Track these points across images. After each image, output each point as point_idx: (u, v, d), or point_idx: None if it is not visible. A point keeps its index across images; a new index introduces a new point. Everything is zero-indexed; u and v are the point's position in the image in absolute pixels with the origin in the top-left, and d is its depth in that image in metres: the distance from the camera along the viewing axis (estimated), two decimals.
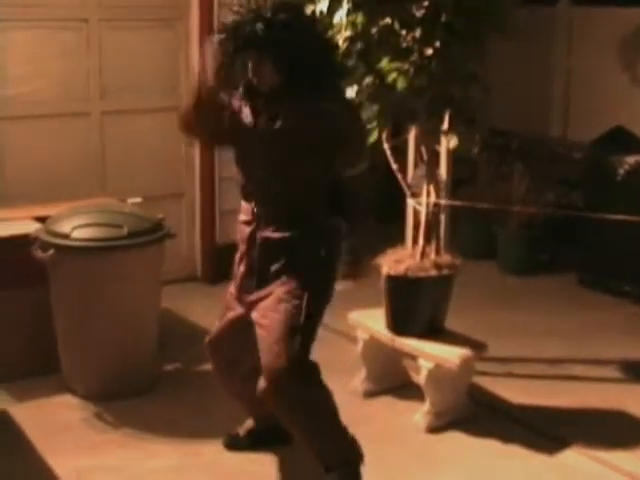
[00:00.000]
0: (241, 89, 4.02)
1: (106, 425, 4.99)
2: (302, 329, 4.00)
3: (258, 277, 4.13)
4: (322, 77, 3.92)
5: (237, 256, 4.26)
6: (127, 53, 6.82)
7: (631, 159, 6.96)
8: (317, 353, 4.08)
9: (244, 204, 4.20)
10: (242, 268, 4.21)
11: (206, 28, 6.89)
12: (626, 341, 6.15)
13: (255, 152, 4.06)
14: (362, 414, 5.03)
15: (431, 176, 5.15)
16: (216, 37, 3.93)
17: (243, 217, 4.20)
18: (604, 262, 7.12)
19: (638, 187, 6.85)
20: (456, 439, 4.88)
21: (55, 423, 5.00)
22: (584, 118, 8.17)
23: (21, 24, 6.38)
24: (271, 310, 4.04)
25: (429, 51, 4.74)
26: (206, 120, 4.08)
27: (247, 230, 4.16)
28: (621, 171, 6.99)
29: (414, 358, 5.07)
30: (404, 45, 4.76)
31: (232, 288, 4.33)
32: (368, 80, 4.79)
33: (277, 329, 3.99)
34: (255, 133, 4.03)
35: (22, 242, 5.22)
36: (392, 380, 5.39)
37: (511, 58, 6.83)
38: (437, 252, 5.17)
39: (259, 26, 3.80)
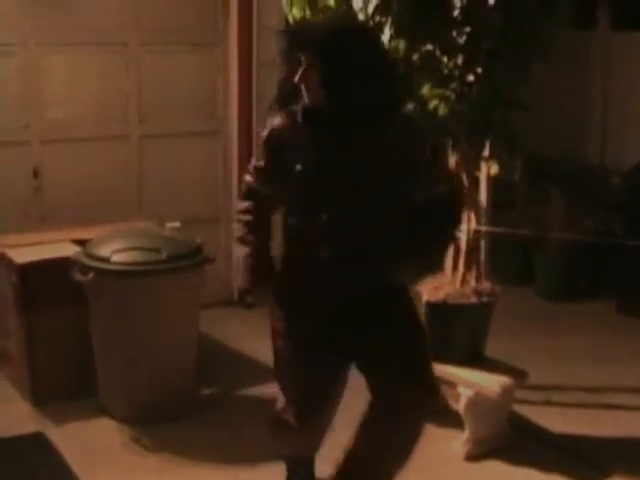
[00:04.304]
0: (299, 110, 3.70)
1: (144, 449, 4.99)
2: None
3: None
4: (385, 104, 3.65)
5: None
6: (166, 77, 6.85)
7: None
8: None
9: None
10: None
11: (245, 52, 6.92)
12: None
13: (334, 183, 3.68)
14: None
15: (472, 202, 5.13)
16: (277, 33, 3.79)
17: None
18: None
19: None
20: (496, 467, 4.84)
21: (93, 446, 5.00)
22: (622, 143, 8.12)
23: (61, 48, 6.42)
24: None
25: (470, 77, 4.74)
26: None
27: None
28: None
29: (453, 385, 5.03)
30: (445, 71, 4.75)
31: None
32: (410, 107, 4.76)
33: None
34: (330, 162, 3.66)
35: (61, 265, 5.25)
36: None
37: (548, 82, 6.80)
38: (477, 279, 5.14)
39: (324, 29, 3.62)
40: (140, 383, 5.25)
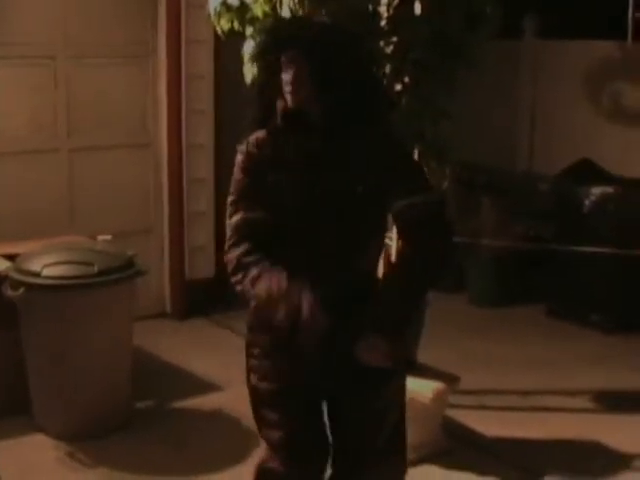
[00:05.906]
0: (279, 115, 3.30)
1: (80, 465, 4.94)
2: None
3: None
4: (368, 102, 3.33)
5: None
6: (95, 90, 6.81)
7: (597, 190, 7.03)
8: None
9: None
10: None
11: (174, 65, 6.92)
12: (597, 371, 6.18)
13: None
14: None
15: None
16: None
17: None
18: (573, 293, 7.16)
19: (605, 218, 6.91)
20: (430, 473, 4.86)
21: (27, 464, 4.94)
22: (549, 151, 8.24)
23: None
24: None
25: (398, 87, 4.78)
26: None
27: None
28: (587, 203, 7.05)
29: None
30: None
31: None
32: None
33: None
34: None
35: None
36: None
37: (476, 91, 6.88)
38: None
39: (303, 25, 3.37)
40: (74, 398, 5.20)
